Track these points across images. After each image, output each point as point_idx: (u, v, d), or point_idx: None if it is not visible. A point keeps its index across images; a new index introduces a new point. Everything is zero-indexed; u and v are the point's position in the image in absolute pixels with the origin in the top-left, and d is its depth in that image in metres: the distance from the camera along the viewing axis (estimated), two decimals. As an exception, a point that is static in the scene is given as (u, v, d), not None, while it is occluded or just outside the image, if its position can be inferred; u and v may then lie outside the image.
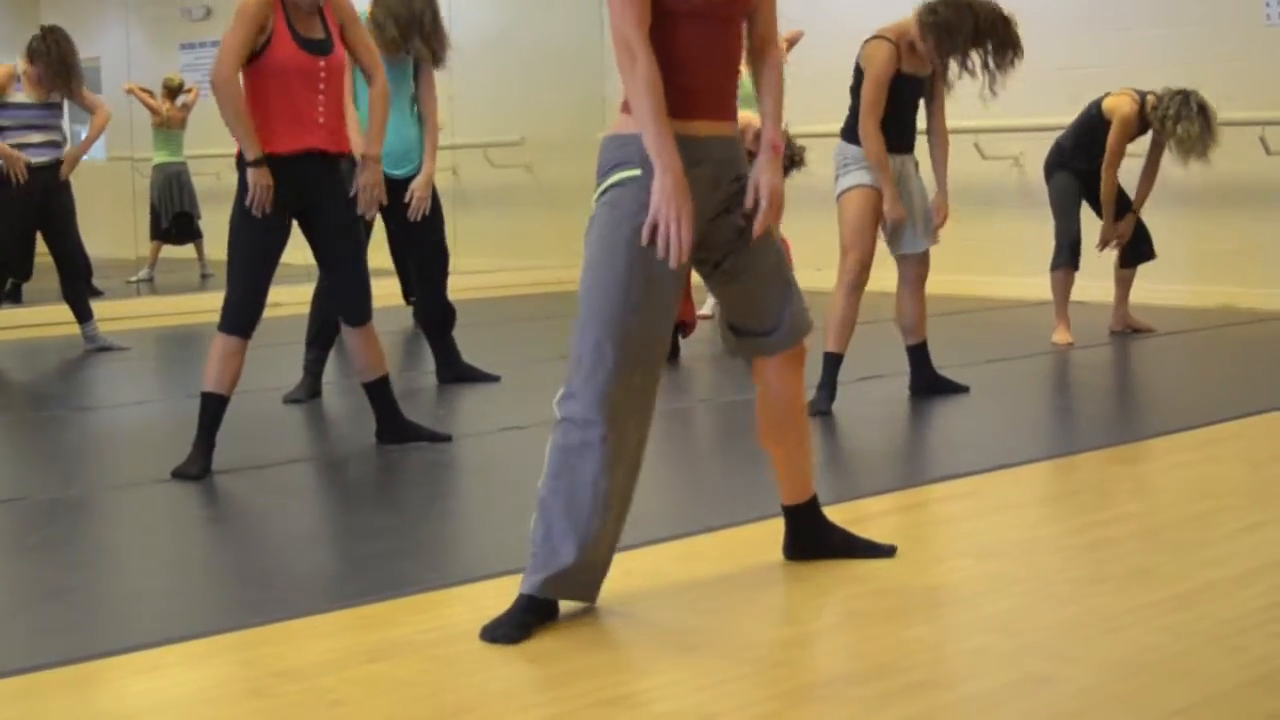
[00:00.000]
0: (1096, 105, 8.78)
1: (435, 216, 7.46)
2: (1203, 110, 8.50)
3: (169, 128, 13.55)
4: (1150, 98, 8.64)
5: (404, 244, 7.72)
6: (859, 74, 6.66)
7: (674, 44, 3.71)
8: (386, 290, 9.39)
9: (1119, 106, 8.65)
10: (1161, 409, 6.97)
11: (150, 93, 13.60)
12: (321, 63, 5.68)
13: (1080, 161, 8.77)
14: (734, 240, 3.89)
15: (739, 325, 4.05)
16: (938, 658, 3.62)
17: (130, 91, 13.42)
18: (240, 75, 5.58)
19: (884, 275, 6.91)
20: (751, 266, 3.93)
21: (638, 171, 3.69)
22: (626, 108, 3.76)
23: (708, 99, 3.78)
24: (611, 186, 3.74)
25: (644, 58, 3.64)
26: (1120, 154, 8.67)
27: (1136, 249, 9.04)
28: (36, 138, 8.94)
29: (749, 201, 3.85)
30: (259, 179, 5.55)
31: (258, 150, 5.55)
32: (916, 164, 6.79)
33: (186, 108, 13.62)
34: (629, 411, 3.70)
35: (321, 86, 5.67)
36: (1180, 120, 8.49)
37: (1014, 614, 3.85)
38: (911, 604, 3.97)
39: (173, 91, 13.61)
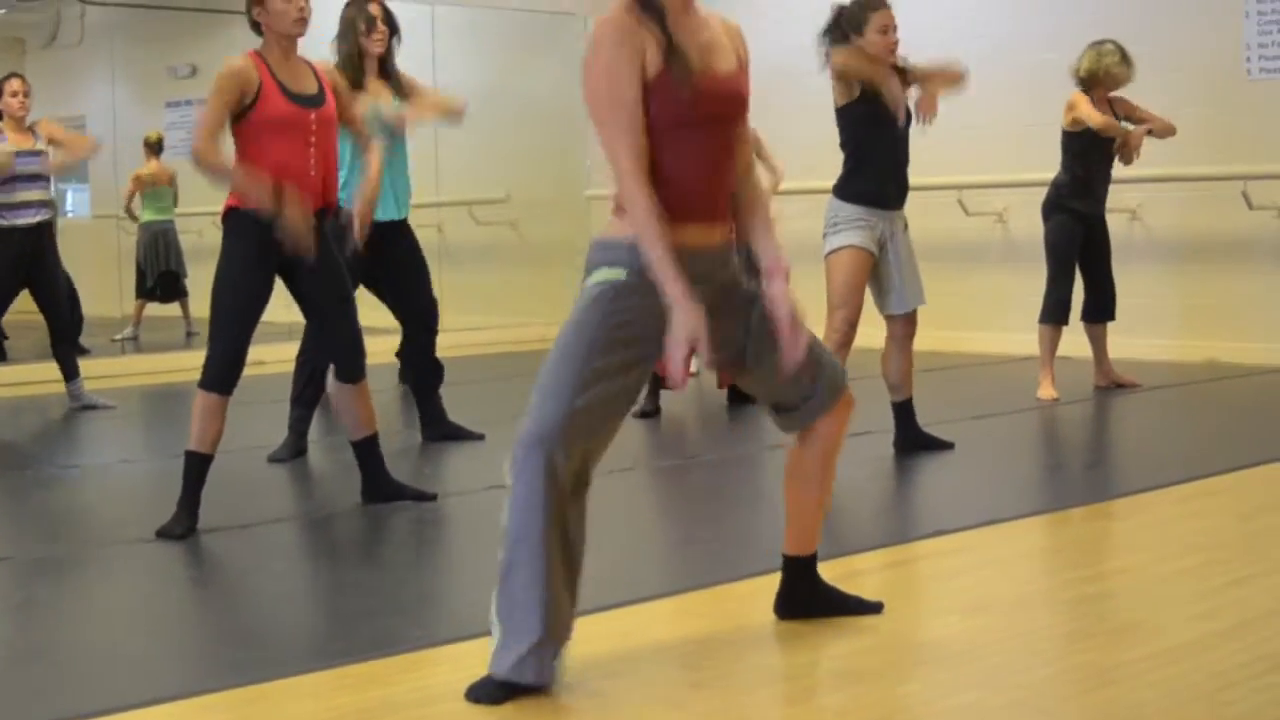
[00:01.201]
0: (1062, 130, 8.84)
1: (422, 273, 7.46)
2: (1091, 45, 8.80)
3: (154, 185, 13.52)
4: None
5: (390, 300, 7.70)
6: (840, 120, 6.68)
7: (663, 155, 3.70)
8: (379, 348, 9.37)
9: (1069, 102, 8.76)
10: (1148, 463, 6.97)
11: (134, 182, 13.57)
12: (312, 115, 5.69)
13: (1079, 200, 8.77)
14: (743, 337, 3.88)
15: (777, 404, 4.03)
16: (927, 714, 3.60)
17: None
18: (224, 137, 5.58)
19: (869, 331, 6.91)
20: (769, 352, 3.90)
21: (622, 274, 3.67)
22: (617, 211, 3.75)
23: (698, 206, 3.76)
24: (594, 284, 3.72)
25: (643, 199, 3.60)
26: (1095, 111, 8.66)
27: (1101, 305, 9.04)
28: (26, 194, 8.89)
29: (782, 331, 3.83)
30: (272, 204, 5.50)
31: (261, 186, 5.50)
32: (906, 223, 6.79)
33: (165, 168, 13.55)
34: (564, 494, 3.64)
35: (313, 139, 5.68)
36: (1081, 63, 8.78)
37: (1003, 670, 3.84)
38: (900, 660, 3.96)
39: (153, 147, 13.55)
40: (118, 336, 13.35)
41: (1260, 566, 4.85)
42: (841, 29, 6.60)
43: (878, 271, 6.71)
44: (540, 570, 3.63)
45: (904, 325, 6.84)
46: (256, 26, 5.74)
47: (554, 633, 3.66)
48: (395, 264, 7.36)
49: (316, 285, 5.81)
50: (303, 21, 5.71)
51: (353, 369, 5.93)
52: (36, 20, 15.44)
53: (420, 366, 7.57)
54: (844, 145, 6.74)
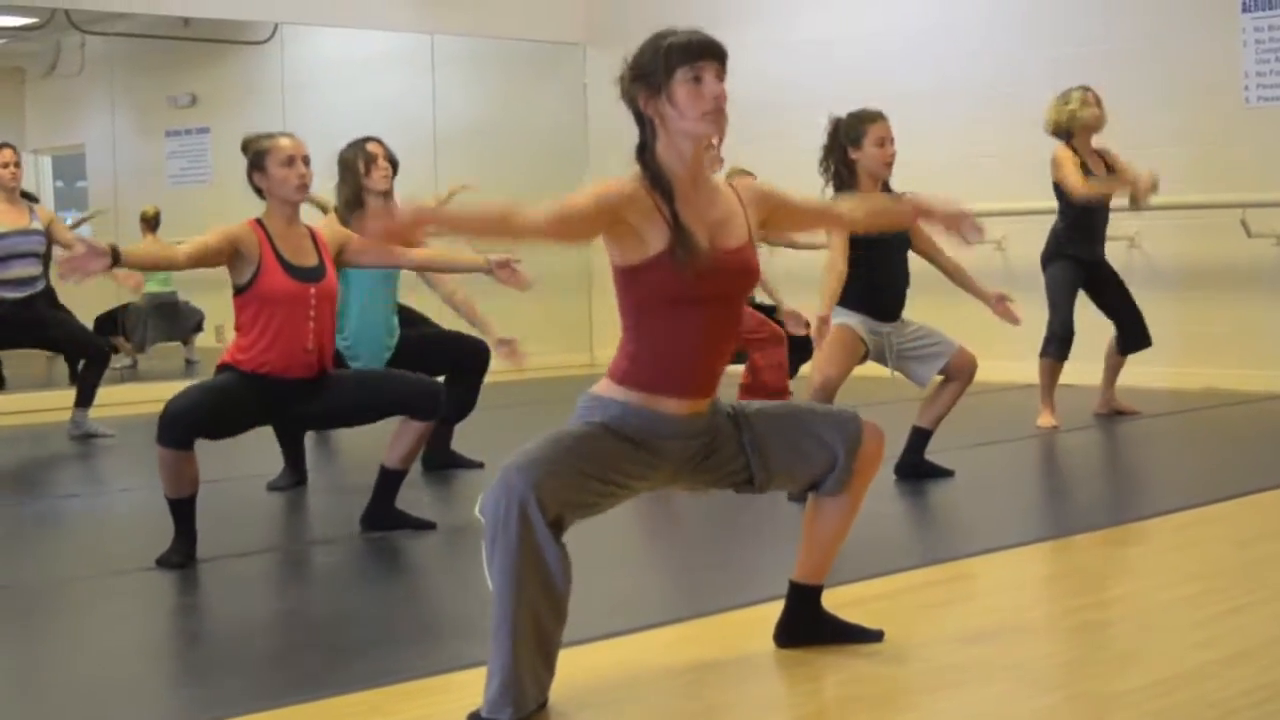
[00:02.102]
0: (1053, 181, 8.83)
1: (453, 334, 7.50)
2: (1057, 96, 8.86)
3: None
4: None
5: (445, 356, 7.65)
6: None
7: (662, 329, 3.74)
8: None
9: (1053, 158, 8.73)
10: (1148, 491, 6.97)
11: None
12: (312, 290, 5.73)
13: (1077, 247, 8.77)
14: (744, 456, 3.92)
15: (811, 482, 4.06)
16: (927, 743, 3.60)
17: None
18: (187, 261, 5.59)
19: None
20: (775, 456, 3.95)
21: (598, 419, 3.74)
22: (611, 374, 3.80)
23: (693, 382, 3.80)
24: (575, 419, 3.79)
25: (516, 217, 3.58)
26: (1078, 177, 8.60)
27: (1133, 337, 9.03)
28: (20, 271, 8.85)
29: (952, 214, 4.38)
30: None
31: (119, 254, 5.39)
32: (903, 322, 6.82)
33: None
34: (538, 535, 3.59)
35: (312, 314, 5.72)
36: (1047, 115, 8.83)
37: (1003, 699, 3.83)
38: (900, 689, 3.96)
39: (149, 222, 13.40)
40: (116, 365, 13.31)
41: (1259, 594, 4.84)
42: (839, 141, 6.64)
43: (896, 363, 6.73)
44: (508, 608, 3.60)
45: (962, 364, 6.80)
46: (259, 192, 5.80)
47: (527, 669, 3.61)
48: (432, 345, 7.37)
49: (344, 398, 5.85)
50: (304, 188, 5.77)
51: (430, 409, 5.91)
52: (36, 50, 15.46)
53: (459, 400, 7.54)
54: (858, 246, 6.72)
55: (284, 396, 5.75)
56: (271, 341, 5.67)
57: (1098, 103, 8.77)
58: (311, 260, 5.79)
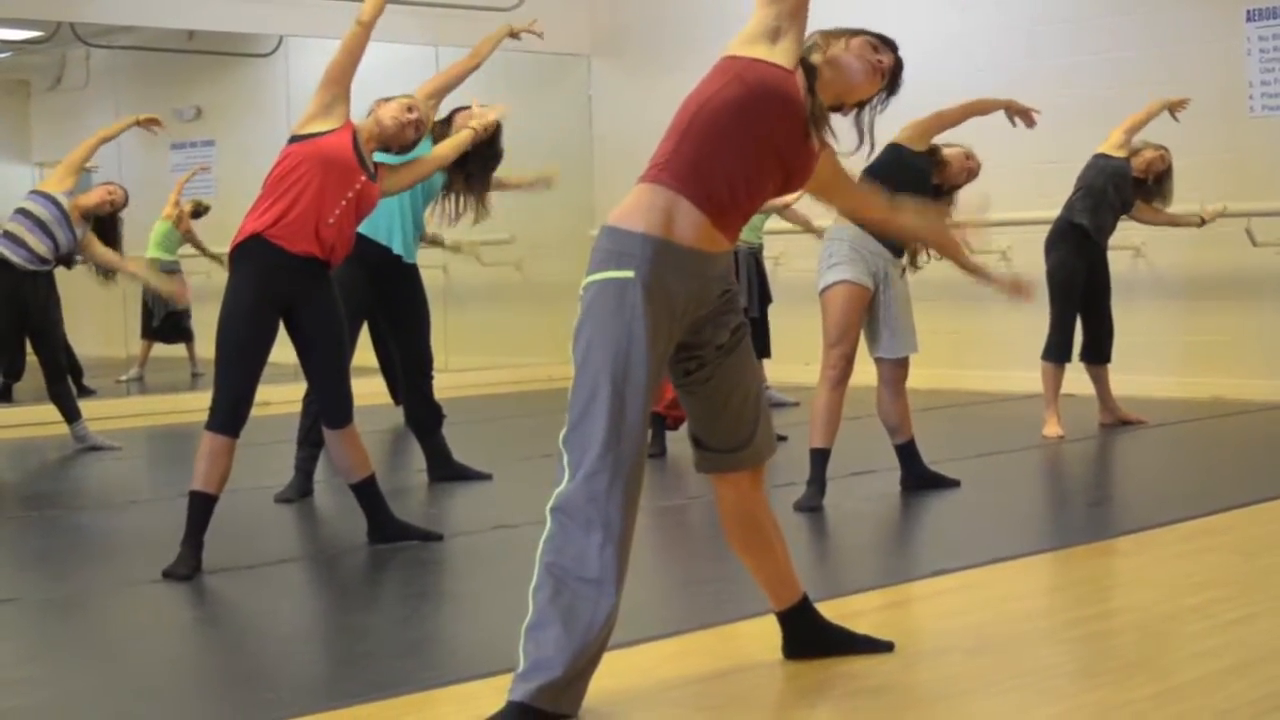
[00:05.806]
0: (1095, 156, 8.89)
1: (420, 317, 7.47)
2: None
3: (175, 227, 13.59)
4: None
5: (389, 341, 7.73)
6: (890, 152, 6.66)
7: (731, 139, 3.73)
8: (371, 389, 9.39)
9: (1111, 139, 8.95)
10: (1153, 501, 6.97)
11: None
12: (362, 177, 5.78)
13: (1089, 217, 8.75)
14: (711, 355, 3.88)
15: (705, 440, 4.01)
16: (933, 754, 3.59)
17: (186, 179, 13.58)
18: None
19: (870, 370, 6.91)
20: (728, 381, 3.92)
21: (630, 274, 3.64)
22: (645, 176, 3.76)
23: (720, 200, 3.76)
24: (599, 282, 3.69)
25: None
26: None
27: (1098, 347, 9.03)
28: (41, 248, 8.90)
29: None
30: None
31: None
32: (903, 270, 6.80)
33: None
34: (626, 513, 3.64)
35: (349, 194, 5.74)
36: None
37: (1009, 709, 3.83)
38: (906, 700, 3.96)
39: (197, 212, 13.66)
40: (123, 377, 13.35)
41: (1266, 604, 4.84)
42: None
43: (871, 313, 6.72)
44: (583, 626, 3.62)
45: (893, 369, 6.83)
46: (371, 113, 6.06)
47: (579, 672, 3.64)
48: (401, 305, 7.38)
49: (316, 327, 5.83)
50: (402, 129, 6.00)
51: (338, 414, 5.93)
52: (42, 63, 15.48)
53: (420, 410, 7.57)
54: (872, 172, 6.72)
55: (296, 280, 5.72)
56: (300, 197, 5.65)
57: (1164, 159, 9.01)
58: (372, 166, 5.92)
